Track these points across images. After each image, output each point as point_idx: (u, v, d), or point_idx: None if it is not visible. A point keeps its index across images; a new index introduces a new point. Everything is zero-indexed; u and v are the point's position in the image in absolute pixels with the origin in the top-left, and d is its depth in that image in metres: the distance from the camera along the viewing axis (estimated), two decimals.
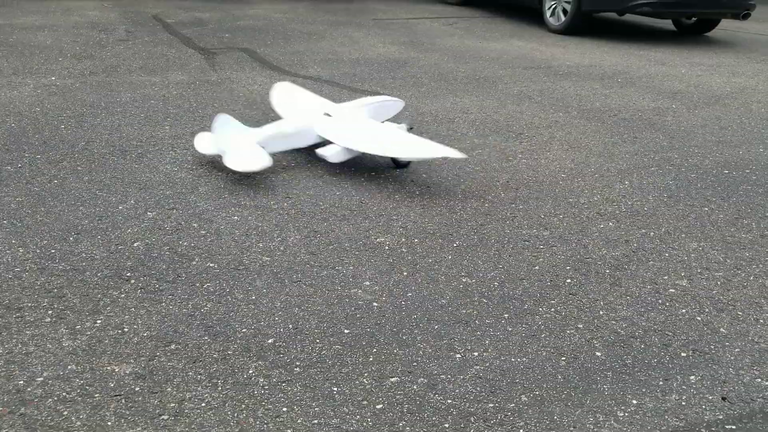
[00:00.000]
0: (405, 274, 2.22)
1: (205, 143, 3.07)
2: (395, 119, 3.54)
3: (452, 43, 6.30)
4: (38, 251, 2.25)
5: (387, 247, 2.39)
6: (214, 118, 3.06)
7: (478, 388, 1.69)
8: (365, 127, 3.18)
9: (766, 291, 2.20)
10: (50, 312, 1.93)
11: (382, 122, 3.29)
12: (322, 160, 3.09)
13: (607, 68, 5.48)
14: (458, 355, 1.82)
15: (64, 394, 1.61)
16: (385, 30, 6.87)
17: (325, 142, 3.13)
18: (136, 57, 5.15)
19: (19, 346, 1.77)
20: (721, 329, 1.99)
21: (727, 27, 8.00)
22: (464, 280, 2.19)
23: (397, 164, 3.11)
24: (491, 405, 1.64)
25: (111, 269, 2.17)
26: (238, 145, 2.96)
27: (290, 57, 5.38)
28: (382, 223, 2.58)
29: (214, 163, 3.09)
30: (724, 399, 1.69)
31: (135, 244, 2.33)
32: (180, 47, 5.57)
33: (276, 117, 3.56)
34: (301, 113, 3.32)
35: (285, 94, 3.66)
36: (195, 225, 2.49)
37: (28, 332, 1.83)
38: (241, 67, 4.97)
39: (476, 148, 3.42)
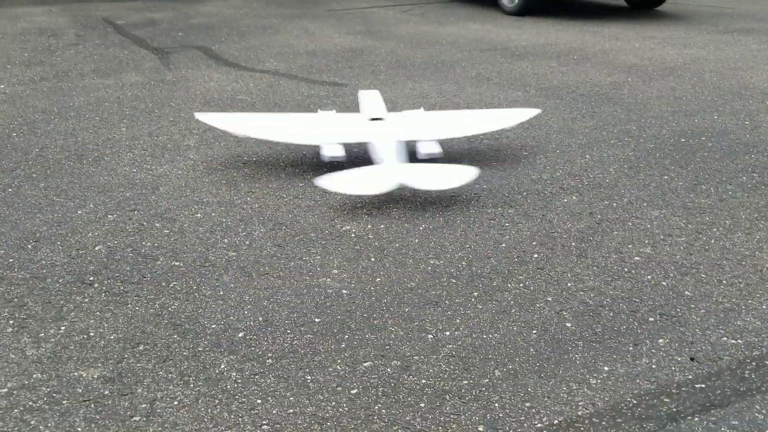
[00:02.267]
0: (373, 259, 2.21)
1: (360, 182, 2.55)
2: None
3: (408, 30, 6.30)
4: None
5: (353, 235, 2.38)
6: (370, 147, 2.75)
7: (452, 367, 1.70)
8: (427, 116, 3.09)
9: (727, 253, 2.25)
10: (11, 322, 1.87)
11: (401, 112, 3.18)
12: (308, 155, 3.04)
13: (563, 46, 5.53)
14: (430, 336, 1.82)
15: (30, 403, 1.57)
16: (340, 20, 6.83)
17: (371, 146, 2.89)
18: (87, 60, 5.04)
19: None
20: (686, 292, 2.02)
21: (677, 0, 8.14)
22: (432, 262, 2.19)
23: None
24: (465, 382, 1.64)
25: (73, 275, 2.12)
26: (420, 167, 2.64)
27: (246, 52, 5.32)
28: (347, 211, 2.56)
29: (174, 162, 3.04)
30: (692, 359, 1.72)
31: (97, 248, 2.28)
32: (133, 48, 5.47)
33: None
34: (358, 128, 2.98)
35: (246, 120, 3.18)
36: (158, 225, 2.45)
37: None
38: (196, 65, 4.90)
39: None
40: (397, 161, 2.69)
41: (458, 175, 2.61)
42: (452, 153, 3.12)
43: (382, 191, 2.55)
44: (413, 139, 2.89)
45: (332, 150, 2.80)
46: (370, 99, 3.31)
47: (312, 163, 3.04)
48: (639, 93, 4.16)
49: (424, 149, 2.82)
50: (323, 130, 2.95)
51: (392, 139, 2.82)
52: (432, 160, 2.86)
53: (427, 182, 2.57)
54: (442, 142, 3.08)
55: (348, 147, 3.11)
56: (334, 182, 2.54)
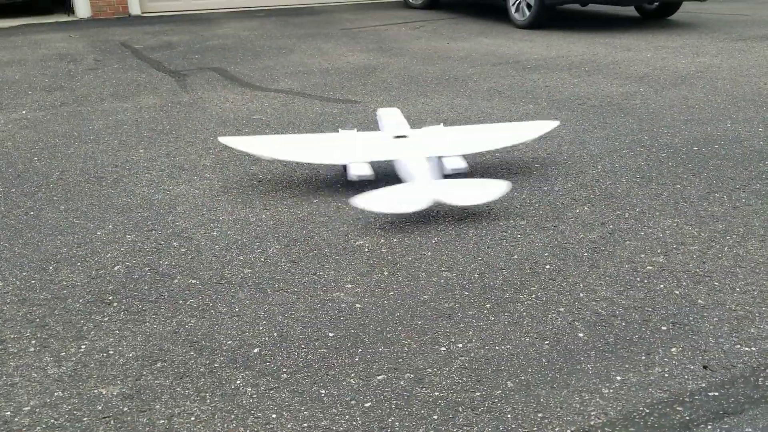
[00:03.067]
0: (386, 273, 2.24)
1: (394, 201, 2.57)
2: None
3: (420, 46, 6.35)
4: (18, 283, 2.25)
5: (367, 249, 2.41)
6: (401, 167, 2.73)
7: (465, 379, 1.71)
8: (448, 132, 3.13)
9: (740, 260, 2.24)
10: (33, 342, 1.92)
11: (422, 129, 3.19)
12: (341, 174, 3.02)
13: (574, 58, 5.55)
14: (443, 348, 1.83)
15: (52, 420, 1.61)
16: (353, 39, 6.91)
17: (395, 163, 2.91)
18: (106, 84, 5.15)
19: (4, 377, 1.77)
20: (699, 300, 2.02)
21: (689, 9, 8.12)
22: (445, 275, 2.21)
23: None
24: (478, 394, 1.65)
25: (93, 294, 2.16)
26: (454, 183, 2.66)
27: (261, 72, 5.40)
28: (360, 226, 2.59)
29: (191, 182, 3.10)
30: (705, 367, 1.72)
31: (115, 268, 2.33)
32: (150, 71, 5.57)
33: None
34: (385, 147, 2.97)
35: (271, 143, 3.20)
36: (175, 244, 2.50)
37: (12, 363, 1.83)
38: (212, 87, 4.98)
39: None
40: (429, 178, 2.71)
41: (491, 190, 2.63)
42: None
43: (418, 209, 2.57)
44: (439, 155, 2.90)
45: (359, 169, 2.81)
46: (392, 117, 3.33)
47: (326, 179, 3.08)
48: (651, 103, 4.16)
49: (450, 164, 2.84)
50: (349, 150, 2.96)
51: (420, 156, 2.84)
52: (457, 175, 2.88)
53: (462, 198, 2.58)
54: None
55: (375, 165, 3.14)
56: (369, 201, 2.56)
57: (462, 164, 2.85)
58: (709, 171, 3.03)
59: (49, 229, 2.65)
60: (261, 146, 3.04)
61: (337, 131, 3.21)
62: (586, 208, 2.69)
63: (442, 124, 3.29)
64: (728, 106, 4.03)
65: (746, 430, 1.49)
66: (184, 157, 3.46)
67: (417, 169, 2.75)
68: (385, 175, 2.95)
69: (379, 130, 3.33)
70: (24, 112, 4.45)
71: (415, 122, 3.89)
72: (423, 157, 2.83)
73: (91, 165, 3.37)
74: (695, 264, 2.23)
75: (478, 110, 4.11)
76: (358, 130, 3.18)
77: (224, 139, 3.10)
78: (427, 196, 2.58)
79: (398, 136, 3.07)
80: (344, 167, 3.04)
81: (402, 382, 1.70)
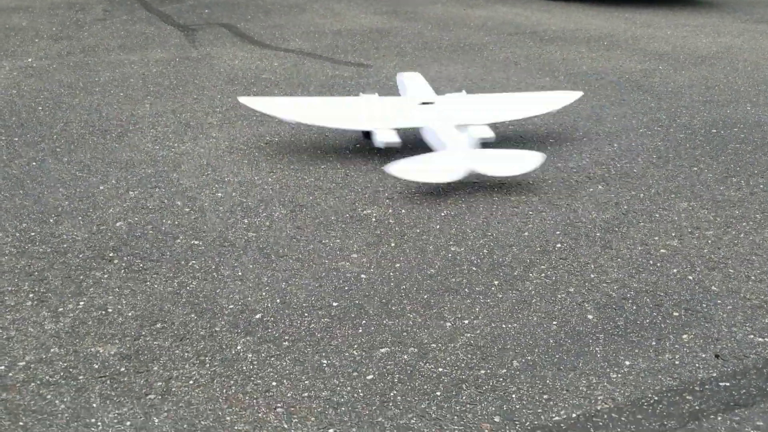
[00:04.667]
0: (393, 245, 2.19)
1: (429, 171, 2.52)
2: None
3: (436, 11, 6.22)
4: (17, 234, 2.20)
5: (374, 219, 2.35)
6: (430, 133, 2.66)
7: (470, 356, 1.67)
8: (473, 100, 3.07)
9: (756, 248, 2.19)
10: (31, 295, 1.89)
11: (445, 95, 3.11)
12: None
13: (593, 32, 5.42)
14: (448, 324, 1.79)
15: (47, 377, 1.57)
16: (366, 0, 6.76)
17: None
18: (114, 36, 5.05)
19: (0, 331, 1.73)
20: (713, 287, 1.97)
21: None
22: (453, 249, 2.16)
23: None
24: (483, 372, 1.62)
25: (93, 250, 2.12)
26: (488, 153, 2.61)
27: (271, 31, 5.29)
28: (368, 194, 2.54)
29: (197, 140, 3.04)
30: (717, 356, 1.68)
31: (117, 224, 2.29)
32: (159, 25, 5.46)
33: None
34: (411, 113, 2.91)
35: (292, 104, 3.14)
36: (178, 203, 2.45)
37: (8, 317, 1.79)
38: (221, 43, 4.88)
39: None
40: (465, 147, 2.63)
41: (527, 161, 2.57)
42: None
43: (454, 179, 2.51)
44: (467, 123, 2.82)
45: (387, 136, 2.74)
46: (414, 82, 3.24)
47: (334, 144, 3.01)
48: (670, 81, 4.06)
49: (477, 134, 2.77)
50: (375, 116, 2.88)
51: (450, 124, 2.77)
52: (485, 145, 2.80)
53: (498, 169, 2.53)
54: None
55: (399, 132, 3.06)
56: (404, 170, 2.49)
57: (490, 134, 2.78)
58: (727, 155, 2.95)
59: (51, 181, 2.60)
60: (283, 108, 2.96)
61: (358, 95, 3.12)
62: (600, 186, 2.63)
63: (464, 90, 3.19)
64: (748, 89, 3.93)
65: (757, 423, 1.46)
66: (191, 114, 3.39)
67: (450, 138, 2.67)
68: (410, 143, 2.87)
69: (400, 95, 3.25)
70: (30, 60, 4.36)
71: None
72: (451, 125, 2.75)
73: (95, 117, 3.31)
74: (710, 249, 2.18)
75: (493, 81, 4.01)
76: (379, 95, 3.09)
77: (244, 99, 3.01)
78: (463, 165, 2.51)
79: (424, 103, 2.98)
80: (364, 133, 2.97)
81: (405, 356, 1.67)
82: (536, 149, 2.97)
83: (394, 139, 2.73)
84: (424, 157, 2.58)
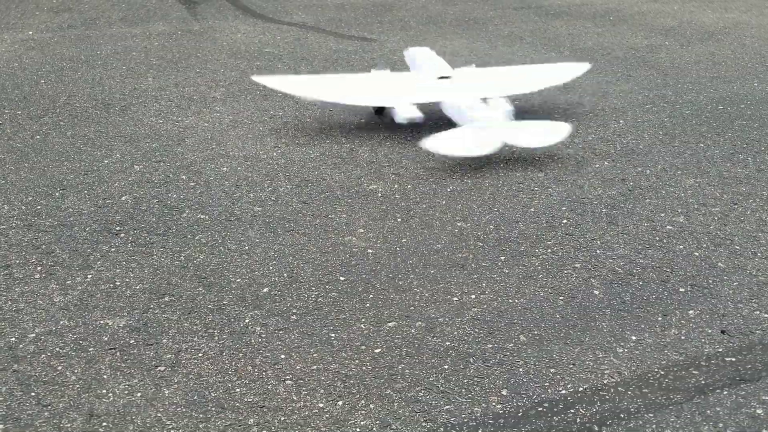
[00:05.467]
0: (399, 220, 2.19)
1: (466, 143, 2.50)
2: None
3: None
4: (24, 208, 2.20)
5: (380, 194, 2.35)
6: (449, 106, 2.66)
7: (477, 330, 1.68)
8: (488, 73, 3.08)
9: (763, 224, 2.19)
10: (39, 268, 1.89)
11: (457, 69, 3.09)
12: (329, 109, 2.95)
13: (599, 6, 5.37)
14: (455, 299, 1.80)
15: (57, 349, 1.58)
16: None
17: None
18: (115, 8, 5.00)
19: (9, 303, 1.74)
20: (719, 264, 1.97)
21: None
22: (459, 225, 2.16)
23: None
24: (490, 346, 1.63)
25: (99, 224, 2.12)
26: (518, 125, 2.61)
27: (273, 4, 5.24)
28: (374, 170, 2.53)
29: (201, 114, 3.02)
30: (723, 332, 1.68)
31: (123, 198, 2.28)
32: None
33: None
34: (431, 89, 2.91)
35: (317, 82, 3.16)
36: (183, 177, 2.44)
37: (17, 289, 1.80)
38: (223, 16, 4.84)
39: None
40: (496, 120, 2.62)
41: (555, 132, 2.58)
42: None
43: (489, 152, 2.50)
44: (486, 96, 2.81)
45: (409, 111, 2.72)
46: (427, 57, 3.20)
47: (339, 119, 3.00)
48: (676, 57, 4.03)
49: (501, 106, 2.75)
50: (394, 91, 2.86)
51: (474, 98, 2.76)
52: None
53: (529, 140, 2.54)
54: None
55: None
56: (440, 144, 2.49)
57: (508, 106, 2.77)
58: (734, 131, 2.94)
59: (55, 155, 2.59)
60: (299, 86, 2.94)
61: (369, 71, 3.10)
62: (606, 163, 2.62)
63: (474, 65, 3.17)
64: (756, 65, 3.90)
65: (763, 397, 1.47)
66: (194, 88, 3.37)
67: (478, 112, 2.66)
68: (431, 117, 2.85)
69: (410, 70, 3.22)
70: (30, 32, 4.32)
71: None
72: (477, 99, 2.75)
73: (98, 91, 3.29)
74: (716, 226, 2.18)
75: (498, 56, 3.98)
76: (391, 71, 3.07)
77: (259, 78, 2.98)
78: (497, 138, 2.51)
79: (442, 77, 2.96)
80: (376, 110, 2.96)
81: (413, 330, 1.67)
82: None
83: (416, 114, 2.72)
84: (458, 131, 2.57)
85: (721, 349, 1.62)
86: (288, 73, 3.53)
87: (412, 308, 1.76)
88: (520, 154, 2.65)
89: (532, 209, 2.26)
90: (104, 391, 1.46)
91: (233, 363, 1.55)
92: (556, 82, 3.08)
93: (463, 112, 2.70)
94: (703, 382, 1.52)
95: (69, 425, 1.37)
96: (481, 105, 2.70)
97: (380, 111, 2.96)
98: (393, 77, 2.99)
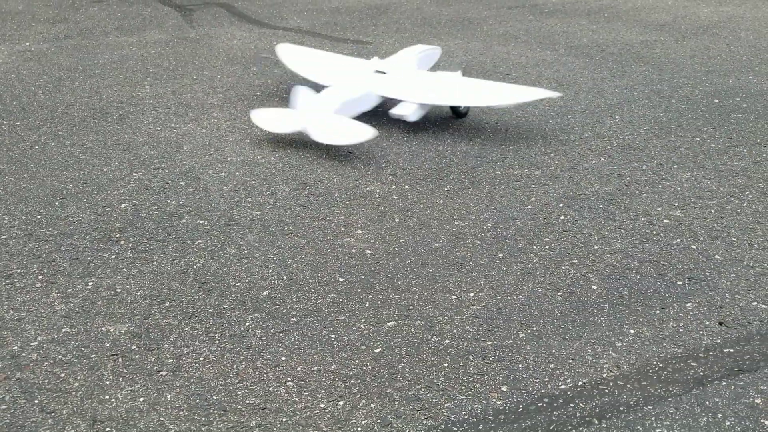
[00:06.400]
0: (397, 220, 2.20)
1: (275, 121, 2.74)
2: (439, 67, 3.39)
3: None
4: (24, 217, 2.22)
5: (377, 195, 2.36)
6: (292, 92, 2.75)
7: (476, 327, 1.69)
8: (431, 79, 3.03)
9: (759, 216, 2.20)
10: (40, 277, 1.90)
11: (435, 72, 3.11)
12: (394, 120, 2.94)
13: (593, 3, 5.38)
14: (454, 297, 1.81)
15: (59, 356, 1.60)
16: None
17: (386, 103, 2.94)
18: (111, 18, 5.02)
19: (11, 312, 1.75)
20: (716, 256, 1.98)
21: None
22: (457, 223, 2.17)
23: (457, 114, 2.98)
24: (489, 343, 1.64)
25: (99, 231, 2.14)
26: (323, 118, 2.67)
27: (269, 9, 5.25)
28: (371, 171, 2.54)
29: (198, 121, 3.04)
30: (721, 324, 1.69)
31: (122, 206, 2.30)
32: (156, 5, 5.42)
33: (295, 79, 3.34)
34: (351, 75, 3.03)
35: (300, 56, 3.39)
36: (182, 183, 2.46)
37: (19, 298, 1.81)
38: (219, 23, 4.85)
39: None
40: (309, 108, 2.70)
41: (356, 135, 2.59)
42: (478, 112, 3.07)
43: (286, 131, 2.73)
44: (394, 97, 2.91)
45: (402, 109, 2.84)
46: (405, 52, 3.28)
47: None
48: (671, 52, 4.04)
49: (401, 110, 2.86)
50: (336, 72, 3.05)
51: (352, 90, 2.88)
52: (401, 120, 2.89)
53: (325, 136, 2.64)
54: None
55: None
56: (262, 119, 2.75)
57: (415, 116, 2.84)
58: (729, 124, 2.95)
59: (54, 164, 2.61)
60: (303, 62, 3.17)
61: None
62: (602, 159, 2.63)
63: (460, 71, 3.17)
64: (751, 58, 3.91)
65: (761, 387, 1.48)
66: (191, 95, 3.39)
67: (306, 98, 2.72)
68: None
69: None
70: (28, 44, 4.34)
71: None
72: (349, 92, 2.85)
73: (96, 100, 3.30)
74: (713, 219, 2.18)
75: (493, 55, 3.99)
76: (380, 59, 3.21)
77: (282, 46, 3.35)
78: (299, 123, 2.67)
79: (378, 71, 3.04)
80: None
81: (412, 329, 1.68)
82: (537, 123, 2.97)
83: (407, 112, 2.82)
84: (280, 110, 2.76)
85: (719, 341, 1.63)
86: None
87: (411, 307, 1.77)
88: (515, 151, 2.66)
89: (530, 206, 2.27)
90: (107, 397, 1.47)
91: (234, 366, 1.56)
92: (504, 102, 2.93)
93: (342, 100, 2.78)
94: (701, 373, 1.53)
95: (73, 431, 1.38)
96: (313, 94, 2.74)
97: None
98: (352, 62, 3.20)
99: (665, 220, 2.18)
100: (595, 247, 2.04)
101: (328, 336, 1.66)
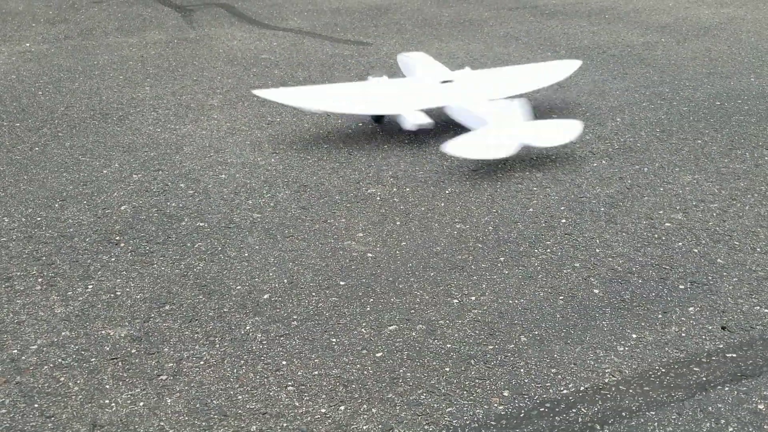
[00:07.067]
0: (398, 223, 2.19)
1: (479, 146, 2.50)
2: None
3: None
4: (24, 220, 2.21)
5: (378, 198, 2.35)
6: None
7: (477, 331, 1.68)
8: (486, 75, 3.13)
9: (762, 220, 2.19)
10: (40, 280, 1.90)
11: (455, 72, 3.10)
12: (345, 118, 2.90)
13: (594, 4, 5.38)
14: (455, 301, 1.80)
15: (59, 360, 1.59)
16: None
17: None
18: (111, 18, 5.01)
19: (11, 315, 1.75)
20: (719, 260, 1.98)
21: None
22: (458, 227, 2.17)
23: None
24: (491, 347, 1.63)
25: (99, 234, 2.13)
26: (529, 125, 2.60)
27: (269, 10, 5.25)
28: (372, 173, 2.54)
29: (198, 122, 3.03)
30: (723, 328, 1.69)
31: (122, 208, 2.29)
32: (156, 6, 5.42)
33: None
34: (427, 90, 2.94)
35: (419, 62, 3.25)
36: (182, 185, 2.45)
37: (19, 301, 1.80)
38: (219, 23, 4.85)
39: None
40: (510, 121, 2.61)
41: (568, 130, 2.60)
42: None
43: (509, 154, 2.50)
44: (491, 98, 2.82)
45: (418, 118, 2.72)
46: (422, 61, 3.20)
47: (336, 124, 3.00)
48: (673, 54, 4.04)
49: (512, 107, 2.77)
50: (399, 98, 2.86)
51: (483, 101, 2.77)
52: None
53: (546, 139, 2.56)
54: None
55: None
56: (459, 148, 2.48)
57: (525, 106, 2.75)
58: (731, 127, 2.94)
59: (54, 166, 2.60)
60: (302, 98, 2.90)
61: (366, 79, 3.10)
62: (604, 161, 2.62)
63: (467, 67, 3.17)
64: (752, 59, 3.91)
65: (764, 392, 1.47)
66: (191, 96, 3.38)
67: (491, 114, 2.65)
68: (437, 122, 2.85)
69: (405, 76, 3.22)
70: (28, 44, 4.34)
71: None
72: (486, 101, 2.76)
73: (96, 101, 3.29)
74: (715, 222, 2.18)
75: (494, 57, 3.99)
76: (388, 77, 3.07)
77: (259, 92, 2.95)
78: (515, 139, 2.52)
79: (445, 81, 2.97)
80: (375, 118, 2.95)
81: (414, 333, 1.68)
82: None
83: (426, 120, 2.71)
84: (477, 134, 2.56)
85: (721, 346, 1.63)
86: (288, 86, 3.51)
87: (412, 311, 1.76)
88: (517, 154, 2.65)
89: (531, 209, 2.27)
90: (107, 401, 1.46)
91: (235, 370, 1.56)
92: (553, 80, 3.13)
93: (477, 115, 2.70)
94: (704, 378, 1.52)
95: None
96: (492, 108, 2.69)
97: (379, 119, 2.96)
98: (393, 84, 2.99)
99: (667, 224, 2.17)
100: (597, 250, 2.03)
101: (329, 340, 1.65)
